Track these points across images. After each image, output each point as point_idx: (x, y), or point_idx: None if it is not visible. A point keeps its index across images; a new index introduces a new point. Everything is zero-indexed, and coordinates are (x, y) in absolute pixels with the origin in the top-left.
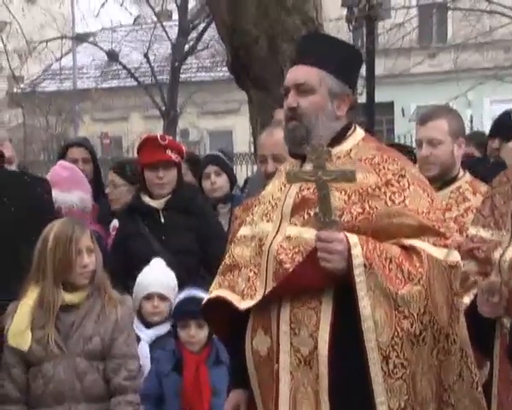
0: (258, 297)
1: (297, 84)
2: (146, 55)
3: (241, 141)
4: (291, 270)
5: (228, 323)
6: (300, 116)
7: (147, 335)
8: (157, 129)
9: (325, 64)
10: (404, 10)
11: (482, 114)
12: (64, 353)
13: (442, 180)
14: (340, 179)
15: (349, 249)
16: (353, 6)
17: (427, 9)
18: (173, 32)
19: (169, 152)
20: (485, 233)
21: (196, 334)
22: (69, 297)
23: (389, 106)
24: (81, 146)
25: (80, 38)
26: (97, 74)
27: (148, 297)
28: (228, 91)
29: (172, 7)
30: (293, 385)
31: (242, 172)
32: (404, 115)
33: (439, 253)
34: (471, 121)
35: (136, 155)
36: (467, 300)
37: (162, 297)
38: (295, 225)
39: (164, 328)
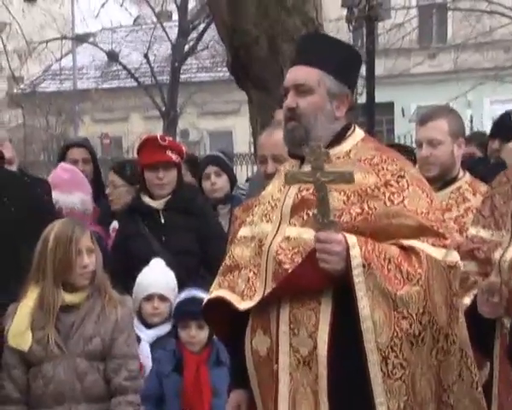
0: (258, 298)
1: (296, 84)
2: (146, 56)
3: (241, 141)
4: (290, 271)
5: (228, 323)
6: (299, 117)
7: (147, 335)
8: (157, 129)
9: (324, 64)
10: (404, 10)
11: (482, 114)
12: (64, 353)
13: (442, 181)
14: (338, 181)
15: (347, 250)
16: (353, 6)
17: (427, 10)
18: (173, 32)
19: (169, 153)
20: (485, 233)
21: (197, 334)
22: (69, 298)
23: (389, 106)
24: (81, 146)
25: (80, 39)
26: (97, 75)
27: (148, 298)
28: (228, 92)
29: (172, 7)
30: (293, 386)
31: (242, 172)
32: (404, 115)
33: (437, 253)
34: (471, 121)
35: (136, 155)
36: (467, 300)
37: (162, 298)
38: (295, 225)
39: (164, 328)
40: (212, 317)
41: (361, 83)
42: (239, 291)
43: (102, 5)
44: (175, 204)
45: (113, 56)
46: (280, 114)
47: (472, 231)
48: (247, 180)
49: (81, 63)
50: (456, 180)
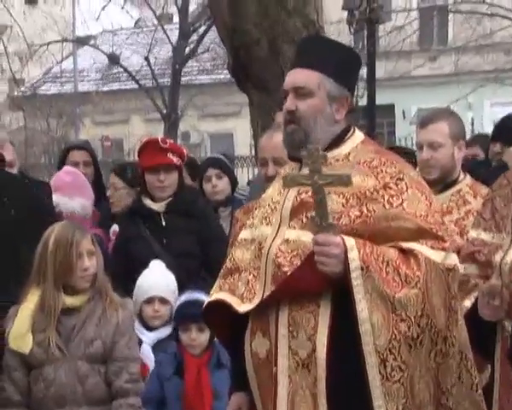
0: (257, 300)
1: (296, 87)
2: (147, 58)
3: (242, 143)
4: (289, 273)
5: (228, 326)
6: (299, 119)
7: (148, 337)
8: (158, 132)
9: (324, 67)
10: (405, 13)
11: (483, 116)
12: (65, 356)
13: (443, 183)
14: (335, 184)
15: (346, 253)
16: (354, 9)
17: (427, 12)
18: (174, 34)
19: (170, 155)
20: (485, 236)
21: (197, 337)
22: (70, 300)
23: (390, 108)
24: (82, 149)
25: (81, 41)
26: (98, 77)
27: (149, 301)
28: (228, 94)
29: (173, 10)
30: (292, 388)
31: (243, 174)
32: (404, 118)
33: (436, 256)
34: (472, 124)
35: (137, 157)
36: (468, 303)
37: (163, 301)
38: (294, 228)
39: (165, 331)
40: (212, 319)
41: (362, 85)
42: (239, 294)
43: (103, 8)
44: (176, 206)
45: (113, 59)
46: (280, 117)
47: (472, 233)
48: (248, 183)
49: (82, 66)
50: (457, 183)
